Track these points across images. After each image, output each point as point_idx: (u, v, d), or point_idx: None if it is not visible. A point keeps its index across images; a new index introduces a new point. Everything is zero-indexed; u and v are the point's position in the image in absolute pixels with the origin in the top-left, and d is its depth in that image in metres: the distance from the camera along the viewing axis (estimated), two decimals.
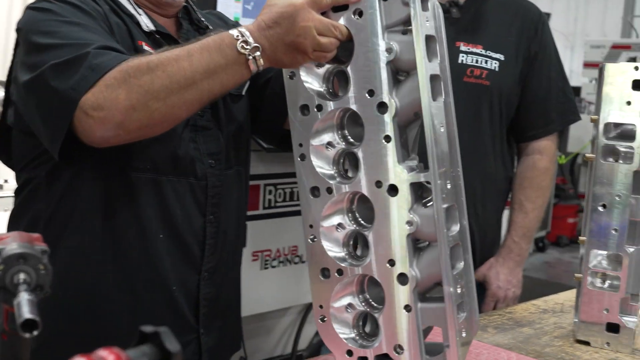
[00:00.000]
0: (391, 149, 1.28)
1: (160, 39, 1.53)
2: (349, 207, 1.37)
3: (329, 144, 1.37)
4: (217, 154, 1.60)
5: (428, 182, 1.26)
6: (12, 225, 1.59)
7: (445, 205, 1.26)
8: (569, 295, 2.01)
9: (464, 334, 1.30)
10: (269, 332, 3.42)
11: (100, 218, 1.48)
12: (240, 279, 1.79)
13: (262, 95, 1.74)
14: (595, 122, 1.61)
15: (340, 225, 1.37)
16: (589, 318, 1.65)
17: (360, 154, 1.32)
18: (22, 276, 0.94)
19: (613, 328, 1.63)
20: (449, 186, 1.28)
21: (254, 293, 3.15)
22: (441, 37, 1.30)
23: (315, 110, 1.36)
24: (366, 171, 1.32)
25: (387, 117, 1.28)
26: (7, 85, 1.55)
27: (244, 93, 1.70)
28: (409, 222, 1.28)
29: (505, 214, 2.43)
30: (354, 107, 1.32)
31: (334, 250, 1.37)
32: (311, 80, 1.37)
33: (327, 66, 1.36)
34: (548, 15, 6.63)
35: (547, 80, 2.25)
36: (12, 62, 1.52)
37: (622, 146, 1.60)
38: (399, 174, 1.28)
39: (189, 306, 1.58)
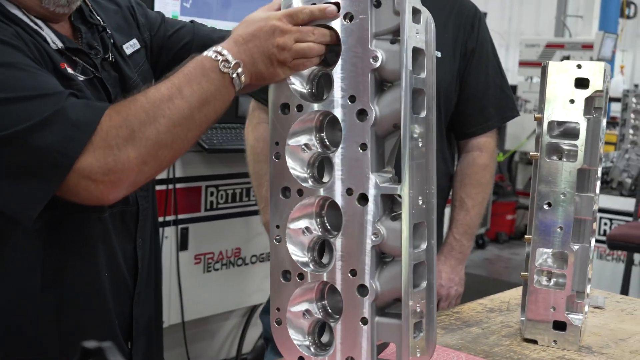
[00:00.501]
0: (366, 157, 1.26)
1: (71, 56, 1.42)
2: (318, 212, 1.33)
3: (306, 145, 1.33)
4: None
5: (399, 196, 1.24)
6: None
7: (414, 222, 1.24)
8: (514, 294, 2.01)
9: (418, 354, 1.28)
10: (213, 336, 3.37)
11: (42, 264, 1.40)
12: (162, 288, 1.75)
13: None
14: (539, 121, 1.61)
15: (307, 229, 1.33)
16: (536, 316, 1.65)
17: (335, 159, 1.28)
18: None
19: (560, 326, 1.63)
20: (420, 202, 1.25)
21: (196, 297, 3.10)
22: (430, 52, 1.27)
23: (296, 110, 1.32)
24: (339, 177, 1.28)
25: (366, 125, 1.25)
26: None
27: None
28: (375, 234, 1.25)
29: (447, 211, 2.44)
30: (334, 111, 1.28)
31: (297, 254, 1.34)
32: (295, 80, 1.33)
33: (313, 67, 1.32)
34: (484, 14, 6.71)
35: (484, 77, 2.26)
36: None
37: (565, 144, 1.61)
38: (371, 183, 1.26)
39: (122, 329, 1.54)
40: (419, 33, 1.25)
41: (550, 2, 12.72)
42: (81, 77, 1.39)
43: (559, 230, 1.61)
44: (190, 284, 3.08)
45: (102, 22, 1.53)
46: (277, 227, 1.34)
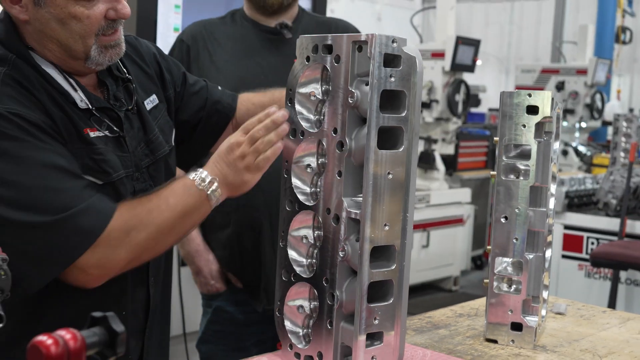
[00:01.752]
0: (341, 183, 1.45)
1: (96, 113, 1.60)
2: (316, 225, 1.53)
3: (308, 165, 1.53)
4: None
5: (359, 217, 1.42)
6: None
7: (376, 244, 1.41)
8: (485, 302, 2.19)
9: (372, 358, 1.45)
10: None
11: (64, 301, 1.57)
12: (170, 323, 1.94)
13: (194, 129, 1.91)
14: (497, 144, 1.81)
15: (305, 237, 1.54)
16: (496, 318, 1.84)
17: (319, 182, 1.50)
18: None
19: (517, 327, 1.82)
20: (386, 228, 1.42)
21: (197, 309, 3.28)
22: (415, 92, 1.43)
23: (301, 135, 1.53)
24: (321, 197, 1.50)
25: (342, 155, 1.45)
26: None
27: (173, 143, 1.85)
28: (343, 250, 1.45)
29: None
30: (323, 140, 1.49)
31: (296, 258, 1.55)
32: (303, 110, 1.53)
33: (319, 96, 1.51)
34: (479, 41, 6.93)
35: None
36: None
37: (521, 164, 1.80)
38: (343, 206, 1.45)
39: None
40: (394, 76, 1.41)
41: (548, 28, 12.97)
42: (106, 135, 1.60)
43: (514, 241, 1.80)
44: (190, 297, 3.27)
45: (127, 74, 1.72)
46: (283, 232, 1.56)
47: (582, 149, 8.21)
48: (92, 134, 1.57)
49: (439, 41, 6.76)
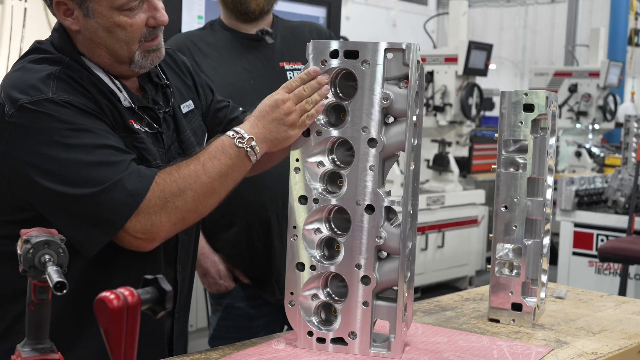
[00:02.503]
0: (374, 176, 1.62)
1: (139, 112, 1.77)
2: (327, 217, 1.69)
3: (320, 162, 1.68)
4: None
5: (396, 206, 1.60)
6: None
7: (408, 227, 1.60)
8: (489, 288, 2.35)
9: (404, 329, 1.64)
10: None
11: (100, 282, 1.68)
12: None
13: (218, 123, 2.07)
14: (497, 139, 1.98)
15: (318, 229, 1.68)
16: (498, 299, 2.00)
17: (346, 176, 1.64)
18: (47, 257, 1.26)
19: (517, 307, 1.98)
20: (411, 212, 1.62)
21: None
22: (422, 93, 1.64)
23: (316, 134, 1.68)
24: (350, 190, 1.64)
25: (375, 151, 1.61)
26: None
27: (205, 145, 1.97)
28: (378, 237, 1.62)
29: None
30: (349, 137, 1.64)
31: (310, 249, 1.68)
32: None
33: (330, 99, 1.67)
34: (491, 45, 7.08)
35: None
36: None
37: (519, 158, 1.96)
38: (377, 197, 1.62)
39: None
40: (418, 80, 1.61)
41: (560, 32, 13.08)
42: (146, 130, 1.77)
43: (514, 228, 1.97)
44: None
45: (166, 80, 1.89)
46: (294, 227, 1.69)
47: (595, 150, 8.34)
48: (137, 126, 1.75)
49: (451, 46, 6.92)
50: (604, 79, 8.38)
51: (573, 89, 8.54)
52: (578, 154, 8.37)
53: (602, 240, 5.12)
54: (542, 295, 2.06)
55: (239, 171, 1.70)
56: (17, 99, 1.62)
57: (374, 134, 1.62)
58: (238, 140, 1.68)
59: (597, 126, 8.59)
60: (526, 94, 1.93)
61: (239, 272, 2.59)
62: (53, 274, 1.19)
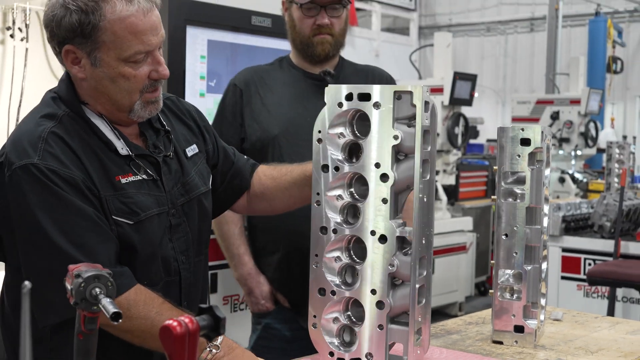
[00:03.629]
0: (386, 208, 1.74)
1: (136, 159, 1.86)
2: (346, 246, 1.81)
3: (339, 196, 1.80)
4: (186, 250, 1.95)
5: (409, 237, 1.72)
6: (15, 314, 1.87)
7: (419, 256, 1.72)
8: (490, 312, 2.48)
9: (418, 352, 1.76)
10: None
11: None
12: None
13: (218, 187, 2.17)
14: (496, 172, 2.12)
15: (338, 258, 1.81)
16: (501, 323, 2.12)
17: (362, 208, 1.76)
18: (97, 290, 1.38)
19: (519, 329, 2.10)
20: (423, 241, 1.75)
21: (226, 332, 3.56)
22: (434, 131, 1.76)
23: (334, 170, 1.81)
24: (365, 221, 1.76)
25: (387, 185, 1.74)
26: None
27: (210, 186, 2.10)
28: (391, 264, 1.74)
29: None
30: (364, 173, 1.77)
31: (331, 276, 1.81)
32: (333, 149, 1.80)
33: (347, 138, 1.79)
34: (475, 76, 7.28)
35: None
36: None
37: (517, 189, 2.10)
38: (389, 228, 1.74)
39: None
40: (427, 118, 1.74)
41: (541, 60, 13.34)
42: (143, 177, 1.86)
43: (515, 254, 2.10)
44: None
45: (165, 127, 1.99)
46: (316, 255, 1.82)
47: (578, 175, 8.52)
48: (125, 180, 1.83)
49: (437, 77, 7.11)
50: (585, 106, 8.58)
51: (555, 117, 8.73)
52: (562, 180, 8.54)
53: (589, 264, 5.26)
54: (542, 317, 2.19)
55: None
56: (11, 162, 1.74)
57: (385, 169, 1.75)
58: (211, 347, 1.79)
59: (579, 152, 8.77)
60: (523, 129, 2.07)
61: (280, 296, 2.76)
62: (108, 305, 1.30)
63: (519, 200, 2.09)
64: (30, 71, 4.50)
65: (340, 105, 1.79)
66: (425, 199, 1.74)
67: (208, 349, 1.76)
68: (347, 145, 1.82)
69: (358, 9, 13.66)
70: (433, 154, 1.78)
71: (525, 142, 2.07)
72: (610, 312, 4.81)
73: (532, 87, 15.07)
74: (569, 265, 5.37)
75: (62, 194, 1.71)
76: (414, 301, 1.73)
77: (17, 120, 4.45)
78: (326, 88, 1.82)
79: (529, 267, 2.10)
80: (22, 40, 4.43)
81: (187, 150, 2.04)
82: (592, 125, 8.69)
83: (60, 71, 4.64)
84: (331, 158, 1.81)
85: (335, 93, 1.80)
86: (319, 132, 1.83)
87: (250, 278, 2.79)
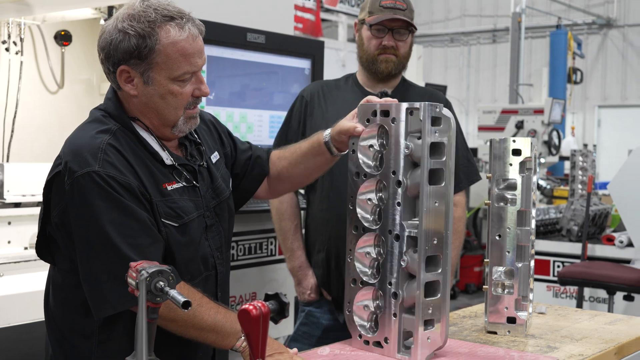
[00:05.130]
0: (400, 210, 1.99)
1: (179, 168, 2.06)
2: (375, 243, 2.06)
3: (369, 199, 2.06)
4: (220, 247, 2.16)
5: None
6: (62, 308, 2.05)
7: (429, 254, 1.94)
8: (482, 307, 2.71)
9: (428, 340, 1.98)
10: None
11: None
12: None
13: (242, 179, 2.38)
14: (490, 179, 2.35)
15: (368, 253, 2.06)
16: (495, 315, 2.35)
17: (383, 210, 2.02)
18: (162, 283, 1.57)
19: (511, 320, 2.34)
20: (435, 241, 1.96)
21: None
22: (451, 144, 1.97)
23: (363, 177, 2.07)
24: (385, 222, 2.02)
25: (401, 190, 1.98)
26: (46, 201, 2.01)
27: (231, 189, 2.30)
28: (403, 260, 1.98)
29: None
30: (384, 179, 2.02)
31: (362, 269, 2.07)
32: (365, 158, 2.06)
33: (376, 148, 2.03)
34: (445, 87, 7.56)
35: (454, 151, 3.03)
36: (53, 200, 1.96)
37: (509, 194, 2.33)
38: (402, 228, 1.98)
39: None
40: (438, 132, 1.96)
41: (504, 71, 13.72)
42: (184, 184, 2.06)
43: (507, 253, 2.33)
44: None
45: (198, 139, 2.21)
46: (350, 250, 2.08)
47: (542, 182, 8.84)
48: (170, 187, 2.04)
49: None
50: (548, 116, 8.90)
51: (520, 126, 9.04)
52: None
53: (558, 266, 5.55)
54: (530, 310, 2.43)
55: (219, 343, 1.96)
56: (73, 170, 1.91)
57: (399, 176, 1.98)
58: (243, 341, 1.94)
59: (542, 160, 9.10)
60: (514, 141, 2.31)
61: (324, 289, 3.03)
62: (177, 296, 1.50)
63: (510, 205, 2.33)
64: (25, 83, 4.65)
65: (368, 120, 2.04)
66: (436, 204, 1.96)
67: (243, 337, 1.95)
68: (377, 155, 2.06)
69: (324, 20, 13.89)
70: (448, 164, 1.99)
71: (516, 152, 2.31)
72: (588, 310, 5.09)
73: (495, 97, 15.48)
74: (539, 267, 5.65)
75: (120, 199, 1.90)
76: (422, 294, 1.95)
77: (12, 130, 4.60)
78: (358, 105, 2.05)
79: (520, 265, 2.33)
80: (16, 53, 4.58)
81: (212, 157, 2.25)
82: (554, 134, 9.01)
83: (51, 84, 4.80)
84: (363, 166, 2.07)
85: (365, 110, 2.06)
86: (353, 143, 2.11)
87: (301, 271, 3.06)
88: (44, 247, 2.05)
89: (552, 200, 8.18)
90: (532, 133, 8.98)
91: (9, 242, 3.97)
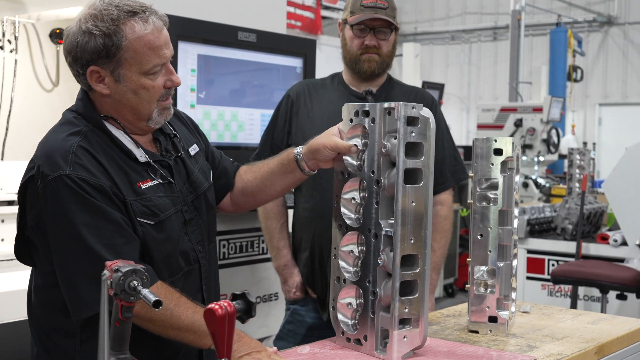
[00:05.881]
0: (378, 209, 2.00)
1: (153, 165, 2.06)
2: (358, 242, 2.07)
3: (353, 198, 2.08)
4: (201, 240, 2.16)
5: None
6: (45, 311, 2.05)
7: (404, 253, 1.95)
8: (465, 306, 2.72)
9: (405, 339, 1.99)
10: None
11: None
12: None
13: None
14: (472, 178, 2.36)
15: (351, 251, 2.08)
16: (477, 314, 2.36)
17: (363, 209, 2.04)
18: (135, 282, 1.58)
19: (493, 319, 2.35)
20: (412, 241, 1.97)
21: None
22: (430, 143, 1.98)
23: (347, 176, 2.09)
24: (365, 220, 2.04)
25: (379, 189, 2.00)
26: (20, 201, 2.02)
27: (211, 181, 2.31)
28: (380, 259, 1.99)
29: None
30: (364, 179, 2.04)
31: (346, 267, 2.08)
32: (349, 158, 2.07)
33: (360, 147, 2.05)
34: (443, 85, 7.56)
35: (441, 149, 3.02)
36: (28, 204, 1.98)
37: (491, 194, 2.34)
38: (378, 227, 2.00)
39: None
40: (414, 132, 1.97)
41: (505, 68, 13.71)
42: (159, 181, 2.07)
43: (489, 253, 2.34)
44: None
45: (174, 131, 2.22)
46: (335, 248, 2.10)
47: (541, 181, 8.85)
48: (144, 186, 2.04)
49: None
50: (547, 114, 8.90)
51: (518, 124, 9.05)
52: (525, 185, 8.85)
53: (552, 265, 5.56)
54: (512, 309, 2.43)
55: (196, 343, 1.96)
56: (45, 174, 1.92)
57: (377, 176, 1.99)
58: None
59: (541, 158, 9.10)
60: (496, 140, 2.32)
61: (309, 288, 3.07)
62: (149, 295, 1.52)
63: (492, 204, 2.34)
64: (20, 82, 4.66)
65: (351, 120, 2.07)
66: (413, 204, 1.97)
67: None
68: (360, 155, 2.08)
69: (324, 17, 13.90)
70: (427, 164, 1.99)
71: (498, 152, 2.31)
72: (573, 308, 5.10)
73: (496, 94, 15.47)
74: (534, 266, 5.66)
75: (93, 201, 1.91)
76: (396, 293, 1.96)
77: (7, 129, 4.61)
78: (343, 106, 2.07)
79: (502, 264, 2.34)
80: (11, 52, 4.59)
81: (189, 150, 2.26)
82: (554, 132, 9.01)
83: (46, 82, 4.82)
84: (346, 167, 2.09)
85: (348, 110, 2.09)
86: None
87: (286, 269, 3.10)
88: (23, 250, 2.06)
89: (549, 198, 8.17)
90: (531, 131, 8.99)
91: (2, 239, 3.98)
